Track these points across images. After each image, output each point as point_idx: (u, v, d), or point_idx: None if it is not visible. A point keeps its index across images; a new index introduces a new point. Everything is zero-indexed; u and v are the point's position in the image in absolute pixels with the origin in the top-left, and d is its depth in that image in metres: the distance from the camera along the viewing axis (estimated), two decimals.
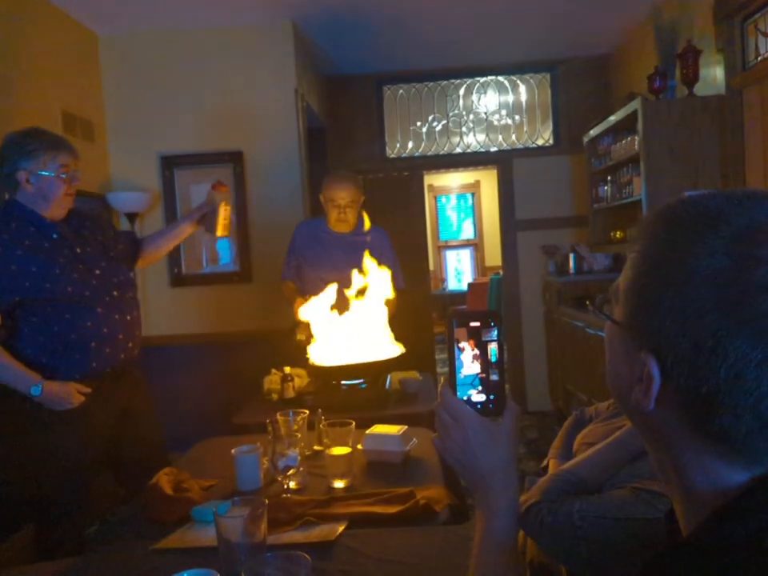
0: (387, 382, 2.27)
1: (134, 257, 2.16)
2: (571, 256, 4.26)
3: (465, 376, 0.74)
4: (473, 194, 8.92)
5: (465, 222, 9.06)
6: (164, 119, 3.46)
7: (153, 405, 2.10)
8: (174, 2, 3.15)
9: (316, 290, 2.37)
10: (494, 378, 0.75)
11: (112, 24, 3.35)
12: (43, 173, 1.76)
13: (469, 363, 0.75)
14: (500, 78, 4.61)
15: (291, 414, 1.50)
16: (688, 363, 0.48)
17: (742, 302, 0.46)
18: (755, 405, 0.46)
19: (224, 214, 2.10)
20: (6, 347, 1.76)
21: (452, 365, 0.75)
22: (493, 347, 0.75)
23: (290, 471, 1.37)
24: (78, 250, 1.86)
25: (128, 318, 1.91)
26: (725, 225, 0.48)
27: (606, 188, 3.84)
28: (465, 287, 8.03)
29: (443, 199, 9.01)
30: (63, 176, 1.79)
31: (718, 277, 0.47)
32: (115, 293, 1.89)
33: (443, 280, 8.83)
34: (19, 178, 1.76)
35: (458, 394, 0.74)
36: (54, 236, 1.82)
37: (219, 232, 2.11)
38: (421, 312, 4.65)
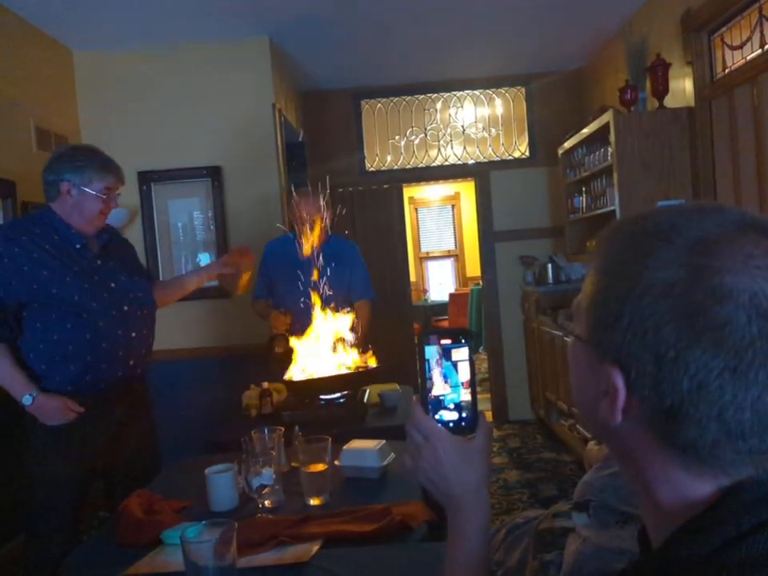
0: (366, 396, 2.26)
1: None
2: (549, 266, 4.30)
3: (436, 394, 0.73)
4: (453, 206, 8.98)
5: (446, 233, 9.11)
6: (141, 134, 3.44)
7: (154, 425, 2.09)
8: (148, 18, 3.14)
9: (288, 305, 2.37)
10: (466, 396, 0.74)
11: (86, 39, 3.33)
12: (86, 189, 1.81)
13: (440, 382, 0.74)
14: (476, 91, 4.66)
15: (266, 431, 1.48)
16: (651, 376, 0.48)
17: (699, 312, 0.46)
18: (719, 414, 0.46)
19: (247, 277, 2.23)
20: (12, 349, 1.78)
21: (423, 383, 0.74)
22: (464, 365, 0.74)
23: (265, 490, 1.35)
24: (99, 262, 1.88)
25: (132, 334, 1.89)
26: (677, 237, 0.49)
27: (581, 199, 3.89)
28: (446, 298, 8.05)
29: (424, 211, 9.06)
30: (104, 197, 1.83)
31: (673, 288, 0.47)
32: (126, 308, 1.88)
33: (425, 291, 8.84)
34: (61, 188, 1.81)
35: (430, 412, 0.73)
36: (77, 246, 1.84)
37: (240, 291, 2.27)
38: (402, 323, 4.66)
